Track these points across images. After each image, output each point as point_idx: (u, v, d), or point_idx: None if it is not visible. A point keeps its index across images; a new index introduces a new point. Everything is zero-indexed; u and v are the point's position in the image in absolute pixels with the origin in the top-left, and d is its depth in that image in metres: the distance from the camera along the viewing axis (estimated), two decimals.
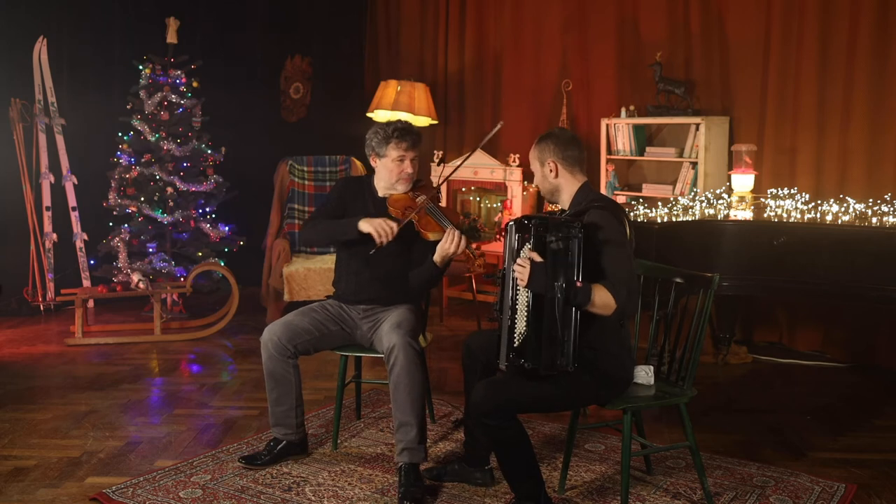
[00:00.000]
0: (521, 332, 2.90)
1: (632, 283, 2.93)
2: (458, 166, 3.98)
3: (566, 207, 3.17)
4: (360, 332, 3.70)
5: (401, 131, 3.61)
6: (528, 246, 2.89)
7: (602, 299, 2.85)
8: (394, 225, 3.47)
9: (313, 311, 3.69)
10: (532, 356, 2.87)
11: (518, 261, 2.89)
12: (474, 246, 3.46)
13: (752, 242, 4.42)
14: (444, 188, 6.87)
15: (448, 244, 3.41)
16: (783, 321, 5.55)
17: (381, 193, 3.71)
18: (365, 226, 3.48)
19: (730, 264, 4.42)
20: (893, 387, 4.84)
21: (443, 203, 6.78)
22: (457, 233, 3.42)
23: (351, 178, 3.92)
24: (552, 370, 2.88)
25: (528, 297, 2.88)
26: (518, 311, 2.91)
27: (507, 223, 3.00)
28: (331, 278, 3.86)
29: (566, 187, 3.16)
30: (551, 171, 3.15)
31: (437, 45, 7.21)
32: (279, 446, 3.65)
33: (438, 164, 6.80)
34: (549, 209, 3.32)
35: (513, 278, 2.94)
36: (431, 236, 3.49)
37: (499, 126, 3.70)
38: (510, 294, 2.95)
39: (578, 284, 2.82)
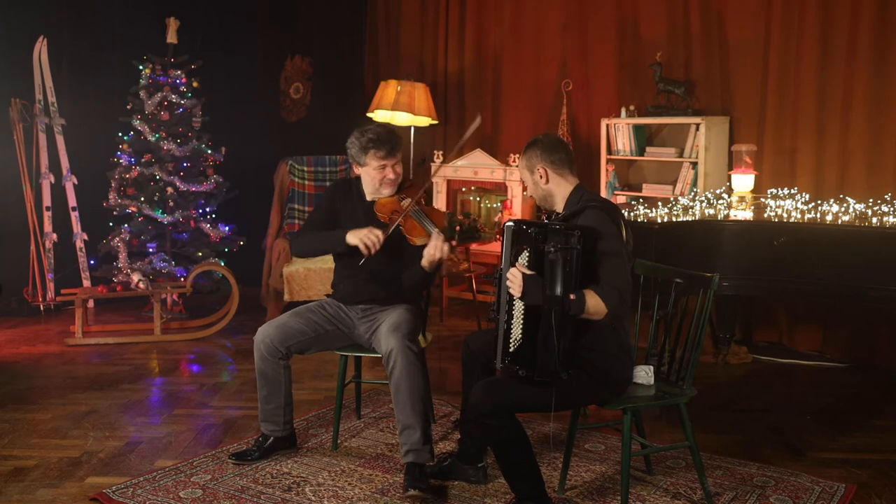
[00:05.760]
0: (516, 339, 2.90)
1: (624, 287, 2.93)
2: (436, 170, 3.95)
3: (560, 211, 3.16)
4: (358, 332, 3.70)
5: (376, 140, 3.57)
6: (525, 254, 2.88)
7: (594, 306, 2.85)
8: (380, 233, 3.46)
9: (310, 312, 3.69)
10: (527, 364, 2.87)
11: (511, 271, 2.89)
12: (455, 244, 3.43)
13: (753, 242, 4.42)
14: (444, 188, 6.87)
15: (433, 251, 3.40)
16: (783, 321, 5.55)
17: (368, 197, 3.70)
18: (352, 238, 3.48)
19: (730, 264, 4.42)
20: (893, 387, 4.84)
21: (437, 204, 6.80)
22: (440, 238, 3.40)
23: (340, 182, 3.90)
24: (546, 377, 2.88)
25: (523, 305, 2.88)
26: (514, 317, 2.91)
27: (506, 223, 2.99)
28: (331, 278, 3.86)
29: (558, 191, 3.16)
30: (541, 177, 3.15)
31: (437, 45, 7.21)
32: (267, 442, 3.69)
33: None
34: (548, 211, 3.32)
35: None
36: (418, 241, 3.48)
37: (477, 122, 3.66)
38: (506, 298, 2.95)
39: (572, 297, 2.81)
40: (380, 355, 3.61)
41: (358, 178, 3.77)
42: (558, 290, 2.81)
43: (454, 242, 3.49)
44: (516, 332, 2.90)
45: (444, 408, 4.36)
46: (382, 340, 3.46)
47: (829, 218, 4.41)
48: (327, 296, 3.84)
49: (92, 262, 6.52)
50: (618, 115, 5.97)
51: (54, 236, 6.39)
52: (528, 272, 2.84)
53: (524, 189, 6.42)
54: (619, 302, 2.89)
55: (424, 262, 3.45)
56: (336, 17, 7.67)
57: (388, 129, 3.67)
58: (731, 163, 5.41)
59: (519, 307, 2.89)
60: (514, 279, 2.85)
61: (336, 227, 3.66)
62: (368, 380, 4.35)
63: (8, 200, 6.24)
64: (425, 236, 3.47)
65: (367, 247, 3.43)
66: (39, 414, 4.25)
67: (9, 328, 5.98)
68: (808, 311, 5.44)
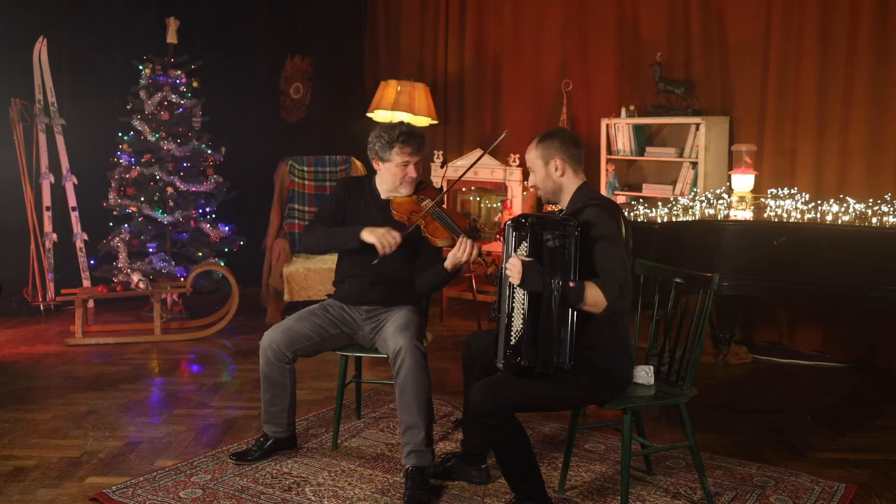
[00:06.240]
0: (517, 330, 2.90)
1: (624, 281, 2.93)
2: (464, 173, 3.93)
3: (565, 207, 3.17)
4: (362, 333, 3.70)
5: (405, 136, 3.58)
6: (524, 244, 2.89)
7: (593, 297, 2.85)
8: (397, 235, 3.44)
9: (313, 315, 3.68)
10: (528, 354, 2.87)
11: (510, 259, 2.90)
12: (485, 253, 3.43)
13: (753, 242, 4.42)
14: (444, 187, 6.87)
15: (461, 253, 3.38)
16: (783, 321, 5.55)
17: (383, 196, 3.69)
18: (368, 236, 3.45)
19: (730, 264, 4.42)
20: (893, 387, 4.84)
21: (445, 205, 6.80)
22: (469, 241, 3.39)
23: (352, 179, 3.88)
24: (548, 367, 2.88)
25: (524, 295, 2.88)
26: (515, 310, 2.92)
27: (506, 223, 3.00)
28: (331, 278, 3.86)
29: (568, 186, 3.17)
30: (557, 169, 3.15)
31: (437, 45, 7.21)
32: (269, 442, 3.69)
33: (442, 166, 6.79)
34: (549, 209, 3.32)
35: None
36: (440, 243, 3.47)
37: (504, 134, 3.67)
38: (507, 293, 2.95)
39: (571, 284, 2.82)
40: (381, 355, 3.62)
41: (370, 177, 3.77)
42: (557, 277, 2.82)
43: (481, 244, 3.48)
44: (517, 323, 2.90)
45: (444, 408, 4.36)
46: (390, 340, 3.46)
47: (829, 218, 4.41)
48: (328, 296, 3.84)
49: (92, 262, 6.52)
50: (618, 115, 5.97)
51: (54, 236, 6.39)
52: (527, 259, 2.85)
53: (524, 189, 6.43)
54: (619, 296, 2.89)
55: (448, 263, 3.43)
56: (336, 17, 7.67)
57: (415, 128, 3.68)
58: (731, 163, 5.41)
59: (520, 298, 2.90)
60: (514, 267, 2.86)
61: (345, 224, 3.65)
62: (369, 380, 4.35)
63: (8, 200, 6.24)
64: (448, 238, 3.46)
65: (383, 247, 3.42)
66: (39, 414, 4.25)
67: (9, 328, 5.98)
68: (808, 311, 5.44)
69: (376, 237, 3.43)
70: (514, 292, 2.93)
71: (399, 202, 3.60)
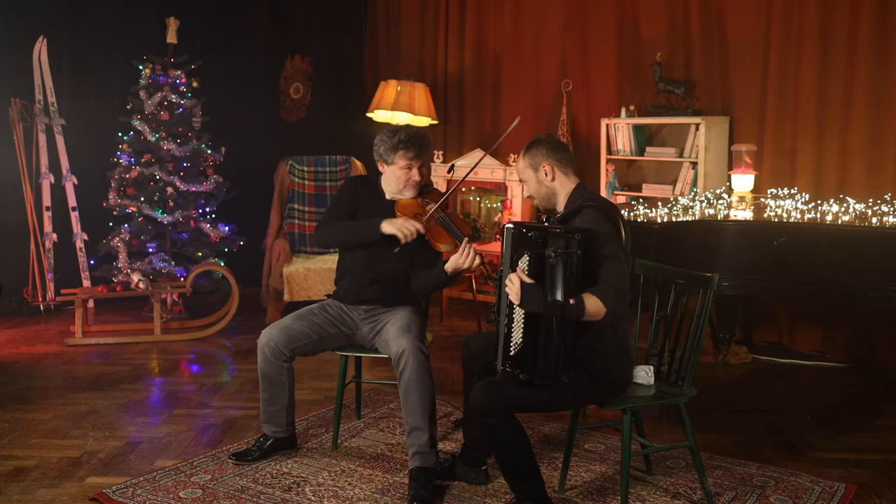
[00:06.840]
0: (517, 343, 2.89)
1: (621, 284, 2.92)
2: (469, 171, 3.92)
3: (561, 210, 3.17)
4: (361, 333, 3.70)
5: (408, 140, 3.60)
6: (525, 258, 2.87)
7: (593, 306, 2.84)
8: (417, 223, 3.48)
9: (312, 314, 3.69)
10: (528, 368, 2.86)
11: (510, 276, 2.87)
12: (487, 260, 3.44)
13: (753, 242, 4.42)
14: (444, 188, 6.86)
15: (462, 259, 3.40)
16: (783, 321, 5.55)
17: (388, 197, 3.71)
18: (388, 227, 3.49)
19: (730, 264, 4.42)
20: (893, 387, 4.84)
21: (448, 207, 6.80)
22: (472, 249, 3.41)
23: (359, 179, 3.92)
24: (547, 380, 2.88)
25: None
26: (514, 321, 2.90)
27: (506, 224, 2.99)
28: (331, 278, 3.87)
29: (562, 190, 3.17)
30: (547, 174, 3.15)
31: (437, 45, 7.21)
32: (268, 442, 3.70)
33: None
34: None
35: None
36: (442, 247, 3.49)
37: (517, 121, 3.66)
38: (506, 301, 2.94)
39: (572, 302, 2.80)
40: (381, 355, 3.62)
41: (374, 177, 3.79)
42: (559, 295, 2.80)
43: (484, 254, 3.50)
44: (517, 336, 2.90)
45: (444, 408, 4.36)
46: (392, 342, 3.46)
47: (829, 218, 4.42)
48: (328, 296, 3.85)
49: (92, 262, 6.52)
50: (618, 115, 5.97)
51: (54, 236, 6.39)
52: (528, 280, 2.82)
53: (524, 189, 6.42)
54: (616, 300, 2.89)
55: (449, 267, 3.44)
56: (336, 17, 7.67)
57: (419, 132, 3.70)
58: (731, 163, 5.41)
59: (519, 311, 2.89)
60: (513, 286, 2.85)
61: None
62: (368, 380, 4.35)
63: (8, 200, 6.24)
64: (451, 243, 3.49)
65: (405, 236, 3.46)
66: (39, 414, 4.25)
67: (9, 328, 5.98)
68: (808, 311, 5.44)
69: (396, 227, 3.48)
70: (513, 303, 2.91)
71: (403, 204, 3.63)
